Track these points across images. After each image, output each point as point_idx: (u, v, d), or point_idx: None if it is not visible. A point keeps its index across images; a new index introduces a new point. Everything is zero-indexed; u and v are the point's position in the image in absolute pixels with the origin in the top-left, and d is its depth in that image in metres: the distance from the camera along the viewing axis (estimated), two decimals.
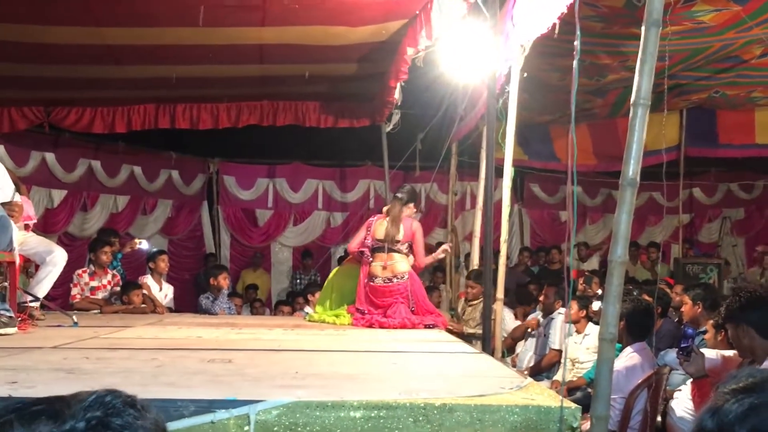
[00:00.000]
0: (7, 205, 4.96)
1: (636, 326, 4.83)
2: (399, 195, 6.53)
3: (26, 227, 5.82)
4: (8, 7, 6.14)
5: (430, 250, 7.33)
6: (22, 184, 5.95)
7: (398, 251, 6.32)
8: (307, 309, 8.00)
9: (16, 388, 2.56)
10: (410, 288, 6.28)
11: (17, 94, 8.75)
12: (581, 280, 7.70)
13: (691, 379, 4.04)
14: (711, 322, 4.95)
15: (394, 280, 6.29)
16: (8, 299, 5.07)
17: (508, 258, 6.94)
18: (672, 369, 4.82)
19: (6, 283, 5.23)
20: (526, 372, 6.64)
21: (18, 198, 5.35)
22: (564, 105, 9.26)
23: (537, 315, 7.51)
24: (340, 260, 10.86)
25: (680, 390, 4.61)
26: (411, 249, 6.47)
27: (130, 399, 1.08)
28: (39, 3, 6.03)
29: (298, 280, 12.35)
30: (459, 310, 7.91)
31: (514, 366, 7.16)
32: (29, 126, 9.33)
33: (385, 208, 6.64)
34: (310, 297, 8.54)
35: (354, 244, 6.63)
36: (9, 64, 7.57)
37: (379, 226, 6.40)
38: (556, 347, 6.74)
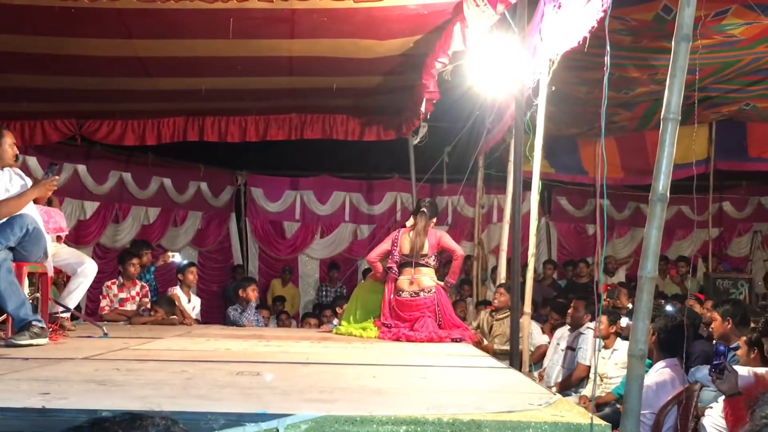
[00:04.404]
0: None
1: (668, 342, 4.78)
2: (423, 209, 6.53)
3: (58, 239, 5.89)
4: (41, 20, 6.25)
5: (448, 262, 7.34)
6: (54, 196, 6.02)
7: (425, 265, 6.34)
8: (335, 321, 8.00)
9: (49, 399, 2.59)
10: (436, 301, 6.29)
11: (50, 107, 8.89)
12: (605, 295, 7.62)
13: (723, 397, 3.99)
14: (744, 338, 4.88)
15: (421, 294, 6.29)
16: (40, 310, 5.15)
17: (535, 271, 6.91)
18: (703, 386, 4.76)
19: (38, 294, 5.31)
20: (554, 388, 6.59)
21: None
22: (591, 118, 9.24)
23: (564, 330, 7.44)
24: (366, 273, 10.88)
25: (711, 407, 4.55)
26: (438, 259, 6.51)
27: None
28: (71, 15, 6.10)
29: (324, 293, 12.37)
30: (485, 324, 7.85)
31: (541, 380, 7.11)
32: (62, 138, 9.47)
33: (408, 222, 6.65)
34: (337, 309, 8.55)
35: (374, 255, 6.66)
36: (42, 76, 7.70)
37: (405, 241, 6.41)
38: (587, 363, 6.66)
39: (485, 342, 7.50)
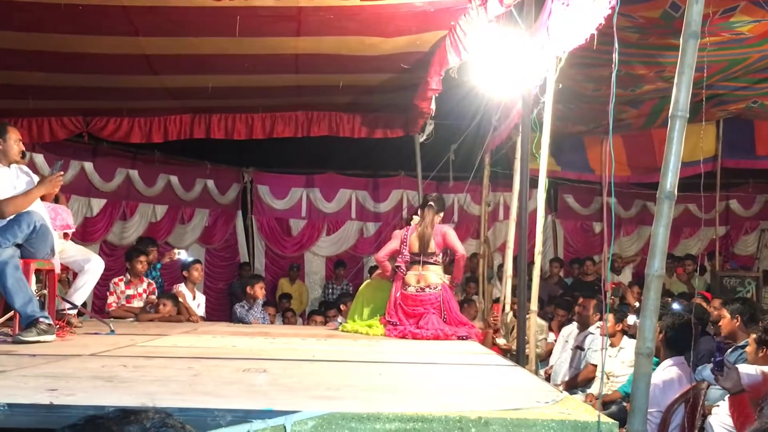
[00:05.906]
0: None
1: (675, 340, 4.77)
2: (431, 203, 6.52)
3: (65, 236, 5.91)
4: (48, 17, 6.26)
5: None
6: (61, 193, 6.04)
7: (434, 263, 6.35)
8: (340, 319, 8.01)
9: (56, 395, 2.59)
10: (442, 299, 6.28)
11: (57, 104, 8.91)
12: (609, 293, 7.59)
13: (729, 395, 3.98)
14: (754, 336, 4.86)
15: (427, 290, 6.29)
16: (47, 307, 5.16)
17: (541, 269, 6.90)
18: (710, 384, 4.74)
19: (45, 291, 5.32)
20: (561, 386, 6.58)
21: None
22: (598, 115, 9.21)
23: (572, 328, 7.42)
24: (372, 270, 10.88)
25: (718, 406, 4.54)
26: (447, 255, 6.50)
27: None
28: (78, 13, 6.12)
29: (330, 290, 12.38)
30: (508, 321, 7.82)
31: (547, 378, 7.09)
32: (69, 136, 9.49)
33: (414, 219, 6.64)
34: (342, 307, 8.55)
35: (382, 254, 6.65)
36: (49, 74, 7.72)
37: (414, 240, 6.41)
38: (595, 362, 6.64)
39: (503, 341, 7.47)
